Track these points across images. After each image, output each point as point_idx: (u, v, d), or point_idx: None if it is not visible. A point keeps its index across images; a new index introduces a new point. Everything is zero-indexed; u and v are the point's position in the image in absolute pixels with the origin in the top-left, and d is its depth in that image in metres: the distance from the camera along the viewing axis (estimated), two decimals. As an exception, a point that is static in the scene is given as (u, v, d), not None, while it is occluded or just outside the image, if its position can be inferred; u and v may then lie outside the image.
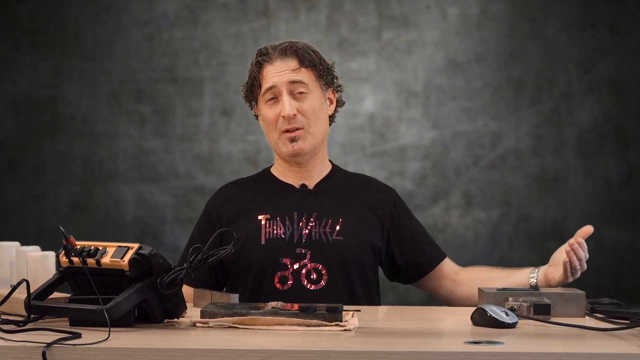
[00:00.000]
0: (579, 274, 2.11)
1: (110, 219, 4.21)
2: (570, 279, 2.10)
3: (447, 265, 2.33)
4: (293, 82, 2.23)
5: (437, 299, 2.35)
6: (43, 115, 4.23)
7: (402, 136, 4.20)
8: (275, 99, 2.24)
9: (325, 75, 2.28)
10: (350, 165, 4.09)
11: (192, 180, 4.21)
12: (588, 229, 2.13)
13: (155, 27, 4.23)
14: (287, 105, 2.22)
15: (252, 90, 2.30)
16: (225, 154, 4.21)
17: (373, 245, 2.27)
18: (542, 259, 4.39)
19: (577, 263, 2.09)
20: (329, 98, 2.30)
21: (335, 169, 2.37)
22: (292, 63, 2.25)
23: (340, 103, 2.35)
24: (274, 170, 2.36)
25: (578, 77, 4.17)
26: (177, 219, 4.22)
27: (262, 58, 2.26)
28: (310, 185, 2.31)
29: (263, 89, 2.26)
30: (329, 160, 2.37)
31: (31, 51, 4.23)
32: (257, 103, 2.31)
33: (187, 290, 2.17)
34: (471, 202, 4.17)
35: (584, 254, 2.10)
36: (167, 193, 4.21)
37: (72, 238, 1.74)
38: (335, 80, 2.32)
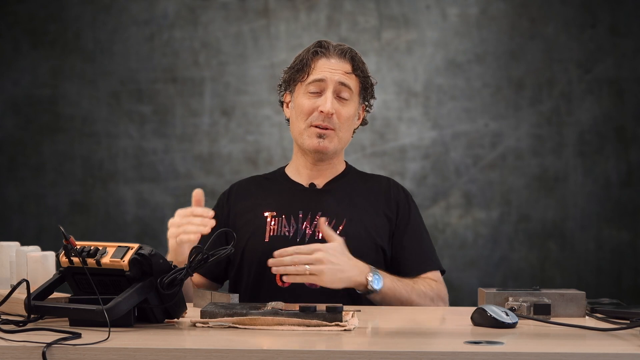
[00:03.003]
0: (315, 278, 2.04)
1: (110, 219, 4.21)
2: (313, 281, 2.06)
3: (430, 278, 2.29)
4: (342, 83, 2.26)
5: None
6: (43, 115, 4.23)
7: (402, 136, 4.20)
8: (318, 92, 2.26)
9: (368, 90, 2.32)
10: (350, 165, 4.09)
11: (192, 180, 4.21)
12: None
13: (155, 27, 4.23)
14: (330, 102, 2.24)
15: (296, 76, 2.29)
16: (225, 154, 4.21)
17: (377, 246, 2.27)
18: (542, 259, 4.37)
19: (287, 270, 2.04)
20: (359, 112, 2.34)
21: (348, 169, 2.39)
22: (347, 66, 2.28)
23: (364, 122, 2.38)
24: (287, 169, 2.39)
25: (578, 77, 4.17)
26: (177, 219, 4.21)
27: (321, 50, 2.28)
28: (320, 184, 2.33)
29: (310, 78, 2.26)
30: (345, 161, 2.40)
31: (31, 51, 4.23)
32: (292, 90, 2.31)
33: (196, 280, 2.26)
34: (471, 202, 4.17)
35: (287, 259, 2.04)
36: (167, 193, 4.21)
37: (72, 238, 1.74)
38: (371, 100, 2.35)
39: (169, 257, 2.11)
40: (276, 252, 2.06)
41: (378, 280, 2.11)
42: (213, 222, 2.06)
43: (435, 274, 2.29)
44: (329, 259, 2.05)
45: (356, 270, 2.10)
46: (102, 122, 4.22)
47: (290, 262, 2.04)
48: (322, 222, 2.15)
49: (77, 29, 4.23)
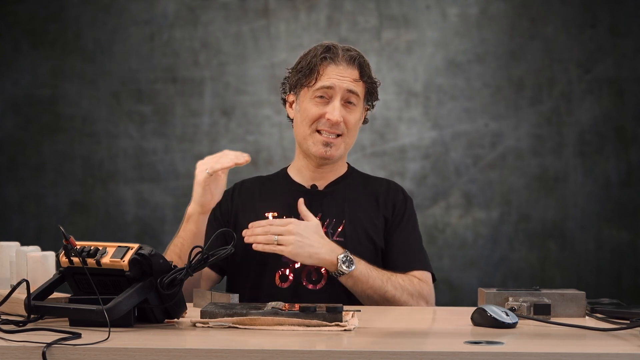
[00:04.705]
0: (282, 247, 2.09)
1: (110, 219, 4.21)
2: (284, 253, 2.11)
3: (416, 277, 2.27)
4: (350, 91, 2.26)
5: None
6: (43, 115, 4.23)
7: (402, 136, 4.20)
8: (325, 98, 2.25)
9: (372, 94, 2.33)
10: (350, 165, 4.09)
11: (192, 180, 4.19)
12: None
13: (155, 27, 4.23)
14: (338, 111, 2.24)
15: (302, 80, 2.27)
16: (225, 154, 4.20)
17: (376, 247, 2.27)
18: (542, 259, 4.37)
19: (257, 239, 2.09)
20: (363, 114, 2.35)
21: (350, 171, 2.39)
22: (355, 73, 2.27)
23: (365, 121, 2.38)
24: (289, 170, 2.39)
25: (578, 77, 4.17)
26: (177, 219, 4.21)
27: (330, 55, 2.26)
28: (321, 186, 2.33)
29: (318, 84, 2.25)
30: (347, 162, 2.40)
31: (31, 51, 4.23)
32: (298, 93, 2.30)
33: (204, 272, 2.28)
34: (471, 202, 4.17)
35: (258, 230, 2.10)
36: (167, 193, 4.21)
37: (72, 238, 1.74)
38: (374, 102, 2.36)
39: (192, 199, 2.24)
40: (250, 224, 2.11)
41: (350, 262, 2.12)
42: (248, 156, 2.13)
43: (422, 274, 2.27)
44: (299, 232, 2.09)
45: (327, 248, 2.12)
46: (102, 122, 4.23)
47: (262, 232, 2.09)
48: (301, 202, 2.19)
49: (77, 29, 4.23)
